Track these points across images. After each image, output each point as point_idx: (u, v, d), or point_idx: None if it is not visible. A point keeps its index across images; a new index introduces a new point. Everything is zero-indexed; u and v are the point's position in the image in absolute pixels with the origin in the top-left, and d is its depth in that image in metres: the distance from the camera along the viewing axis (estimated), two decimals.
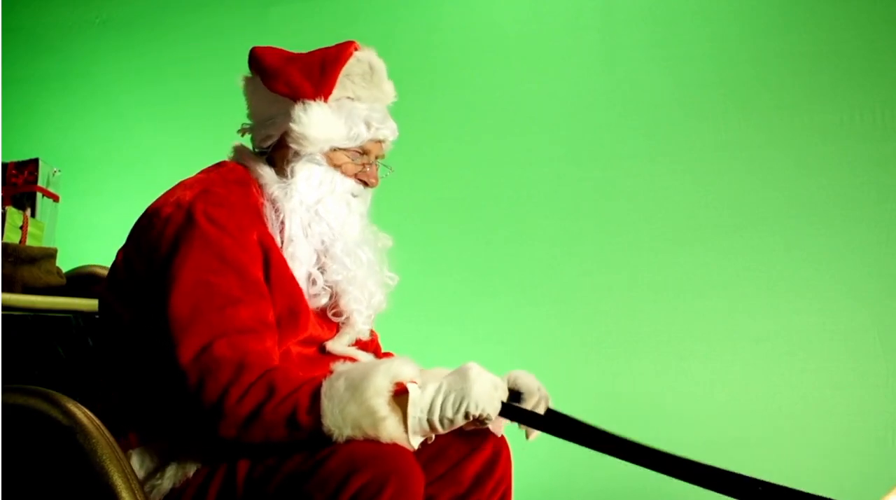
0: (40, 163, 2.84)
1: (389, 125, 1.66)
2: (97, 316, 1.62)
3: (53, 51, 3.27)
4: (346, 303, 1.63)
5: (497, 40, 2.89)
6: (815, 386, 2.49)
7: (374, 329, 1.86)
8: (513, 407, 1.46)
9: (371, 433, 1.33)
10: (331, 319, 1.66)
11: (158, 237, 1.47)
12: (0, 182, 2.79)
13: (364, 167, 1.66)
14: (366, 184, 1.67)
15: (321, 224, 1.60)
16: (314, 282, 1.60)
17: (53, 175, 2.90)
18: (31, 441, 1.41)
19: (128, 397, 1.50)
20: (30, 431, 1.41)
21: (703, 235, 2.63)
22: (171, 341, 1.38)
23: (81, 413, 1.41)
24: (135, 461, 1.45)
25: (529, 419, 1.47)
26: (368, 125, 1.62)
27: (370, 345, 1.81)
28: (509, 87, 2.85)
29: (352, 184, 1.65)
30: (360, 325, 1.67)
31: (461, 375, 1.41)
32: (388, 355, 1.89)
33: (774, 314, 2.55)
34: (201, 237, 1.44)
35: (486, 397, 1.39)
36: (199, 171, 1.64)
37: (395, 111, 2.77)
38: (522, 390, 1.74)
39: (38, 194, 2.81)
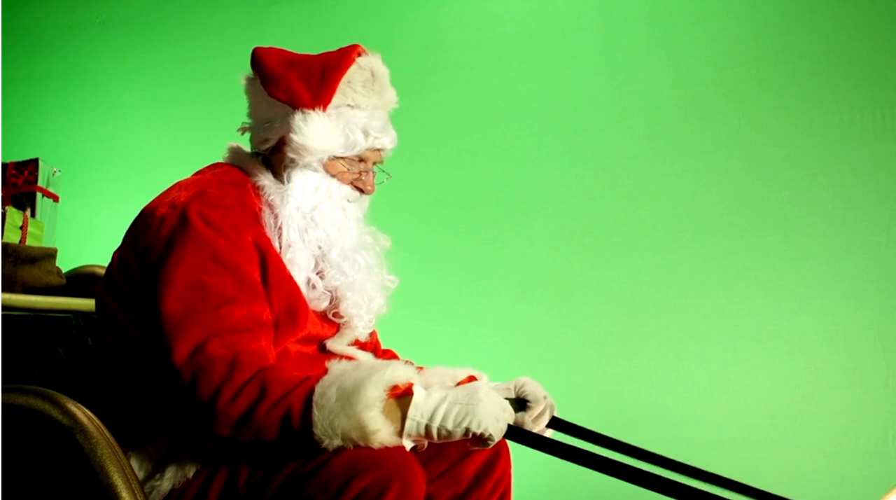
0: (40, 163, 2.84)
1: (389, 134, 1.65)
2: (95, 316, 1.62)
3: (53, 51, 3.28)
4: (345, 308, 1.63)
5: (497, 40, 2.89)
6: (815, 386, 2.49)
7: (376, 330, 1.87)
8: (519, 430, 1.44)
9: (361, 443, 1.32)
10: (331, 319, 1.66)
11: (154, 238, 1.47)
12: (0, 182, 2.79)
13: (361, 175, 1.65)
14: (361, 191, 1.67)
15: (318, 230, 1.59)
16: (314, 287, 1.60)
17: (53, 175, 2.90)
18: (31, 441, 1.41)
19: (126, 397, 1.50)
20: (30, 431, 1.41)
21: (703, 235, 2.63)
22: (166, 341, 1.38)
23: (81, 413, 1.41)
24: (133, 462, 1.45)
25: (534, 442, 1.44)
26: (366, 134, 1.61)
27: (369, 344, 1.81)
28: (509, 87, 2.85)
29: (348, 190, 1.64)
30: (360, 329, 1.67)
31: (469, 392, 1.39)
32: (388, 353, 1.89)
33: (774, 314, 2.55)
34: (196, 238, 1.44)
35: (491, 418, 1.36)
36: (194, 172, 1.64)
37: (394, 111, 2.76)
38: (529, 398, 1.74)
39: (38, 194, 2.81)
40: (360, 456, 1.31)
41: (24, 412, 1.41)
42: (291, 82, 1.59)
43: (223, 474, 1.42)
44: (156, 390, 1.46)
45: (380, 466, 1.30)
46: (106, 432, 1.40)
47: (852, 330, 2.48)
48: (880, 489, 1.69)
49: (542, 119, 2.81)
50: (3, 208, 2.56)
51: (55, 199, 2.89)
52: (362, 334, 1.70)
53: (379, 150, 1.65)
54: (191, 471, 1.44)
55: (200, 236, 1.44)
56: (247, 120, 1.69)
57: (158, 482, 1.44)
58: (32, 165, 2.83)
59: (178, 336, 1.38)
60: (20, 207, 2.75)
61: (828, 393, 2.48)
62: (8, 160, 2.85)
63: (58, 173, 2.92)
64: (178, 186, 1.56)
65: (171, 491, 1.44)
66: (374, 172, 1.68)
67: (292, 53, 1.66)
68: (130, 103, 3.16)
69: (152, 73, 3.18)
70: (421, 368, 1.72)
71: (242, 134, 1.70)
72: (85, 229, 3.08)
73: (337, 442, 1.32)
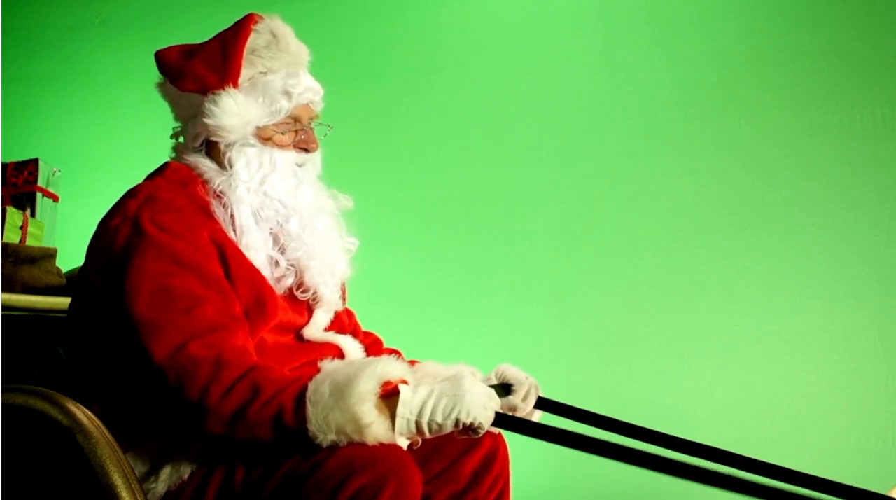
0: (40, 163, 2.84)
1: (311, 87, 1.64)
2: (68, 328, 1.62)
3: (53, 51, 3.27)
4: (310, 277, 1.62)
5: (497, 40, 2.89)
6: (815, 386, 2.49)
7: (354, 311, 1.86)
8: (507, 417, 1.44)
9: (356, 437, 1.32)
10: (299, 298, 1.64)
11: (110, 249, 1.47)
12: (0, 182, 2.79)
13: (299, 135, 1.64)
14: (306, 150, 1.65)
15: (273, 204, 1.59)
16: (277, 264, 1.59)
17: (53, 175, 2.90)
18: (31, 441, 1.41)
19: (111, 403, 1.50)
20: (30, 431, 1.41)
21: (703, 235, 2.63)
22: (143, 348, 1.38)
23: (81, 413, 1.41)
24: None
25: (523, 428, 1.45)
26: (289, 95, 1.60)
27: (348, 326, 1.80)
28: (509, 87, 2.85)
29: (292, 155, 1.63)
30: (328, 295, 1.66)
31: (455, 382, 1.39)
32: (369, 335, 1.88)
33: (774, 314, 2.55)
34: (153, 245, 1.44)
35: (479, 407, 1.37)
36: (145, 176, 1.64)
37: (395, 111, 2.75)
38: (511, 381, 1.76)
39: (38, 194, 2.81)
40: (356, 455, 1.31)
41: (24, 412, 1.41)
42: (196, 70, 1.59)
43: (219, 474, 1.42)
44: (139, 395, 1.45)
45: (376, 465, 1.30)
46: (106, 432, 1.40)
47: (852, 330, 2.48)
48: (880, 489, 1.69)
49: (542, 119, 2.81)
50: (3, 208, 2.56)
51: (55, 199, 2.89)
52: (332, 301, 1.68)
53: (307, 104, 1.64)
54: (186, 472, 1.44)
55: (157, 242, 1.44)
56: (176, 124, 1.70)
57: (153, 485, 1.44)
58: (32, 165, 2.83)
59: (155, 342, 1.37)
60: (20, 207, 2.75)
61: (828, 393, 2.48)
62: (8, 160, 2.85)
63: (58, 173, 2.92)
64: (129, 193, 1.56)
65: (167, 493, 1.43)
66: (312, 128, 1.67)
67: (192, 44, 1.65)
68: (130, 103, 3.16)
69: (152, 73, 3.17)
70: (412, 362, 1.72)
71: (177, 139, 1.70)
72: (85, 229, 3.04)
73: (331, 437, 1.32)
